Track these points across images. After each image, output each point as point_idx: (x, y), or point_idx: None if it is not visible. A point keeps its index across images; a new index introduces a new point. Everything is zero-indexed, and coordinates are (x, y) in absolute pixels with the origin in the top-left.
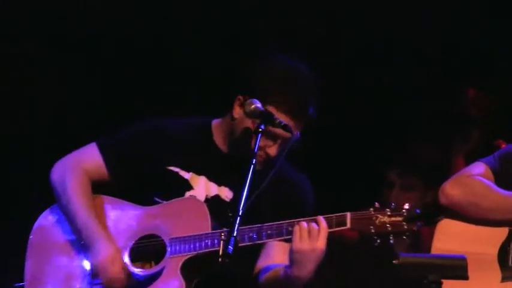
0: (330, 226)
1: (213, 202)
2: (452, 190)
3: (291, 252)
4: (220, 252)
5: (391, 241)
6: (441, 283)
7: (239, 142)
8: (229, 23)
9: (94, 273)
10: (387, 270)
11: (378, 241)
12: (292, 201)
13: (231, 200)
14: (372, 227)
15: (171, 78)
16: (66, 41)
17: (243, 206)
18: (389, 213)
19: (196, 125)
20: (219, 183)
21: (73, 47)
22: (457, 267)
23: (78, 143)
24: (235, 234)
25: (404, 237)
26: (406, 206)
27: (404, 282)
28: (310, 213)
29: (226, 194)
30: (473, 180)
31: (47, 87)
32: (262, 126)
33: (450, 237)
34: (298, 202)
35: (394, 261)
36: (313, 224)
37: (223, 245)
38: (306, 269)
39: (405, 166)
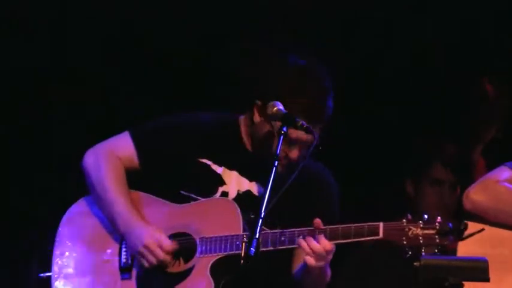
0: (361, 235)
1: (245, 197)
2: (477, 196)
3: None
4: (242, 255)
5: (423, 253)
6: (462, 285)
7: (261, 145)
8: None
9: (141, 254)
10: (406, 271)
11: (410, 253)
12: (319, 198)
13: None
14: (404, 238)
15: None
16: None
17: (265, 208)
18: (422, 225)
19: (225, 120)
20: (250, 179)
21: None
22: (478, 270)
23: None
24: (257, 236)
25: (436, 250)
26: (439, 220)
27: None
28: (336, 208)
29: (257, 189)
30: (499, 186)
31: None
32: (285, 129)
33: (474, 240)
34: (324, 198)
35: (415, 264)
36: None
37: (245, 247)
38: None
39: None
